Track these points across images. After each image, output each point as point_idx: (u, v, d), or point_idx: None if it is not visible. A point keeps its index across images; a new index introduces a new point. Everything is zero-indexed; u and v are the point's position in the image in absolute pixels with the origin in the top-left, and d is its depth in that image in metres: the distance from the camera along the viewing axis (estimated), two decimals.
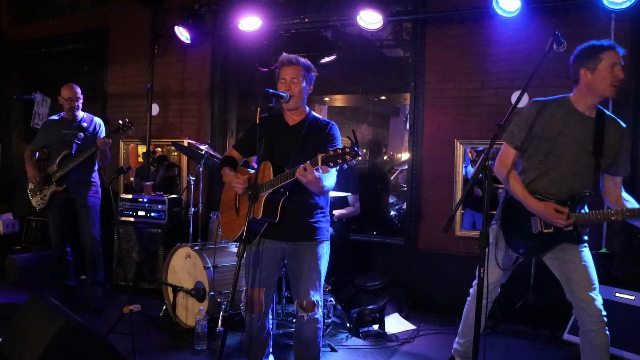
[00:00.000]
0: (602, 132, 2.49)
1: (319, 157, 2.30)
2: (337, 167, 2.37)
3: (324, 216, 2.76)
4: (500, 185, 4.86)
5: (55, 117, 4.52)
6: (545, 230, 2.56)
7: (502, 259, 2.71)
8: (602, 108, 2.57)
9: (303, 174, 2.35)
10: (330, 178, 2.59)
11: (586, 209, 2.56)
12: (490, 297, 2.76)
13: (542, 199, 2.56)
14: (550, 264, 2.68)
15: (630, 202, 2.58)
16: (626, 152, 2.57)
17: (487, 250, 2.21)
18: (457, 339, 2.99)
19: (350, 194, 4.37)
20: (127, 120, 4.14)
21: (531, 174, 2.63)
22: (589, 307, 2.49)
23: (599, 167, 2.52)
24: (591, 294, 2.50)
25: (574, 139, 2.51)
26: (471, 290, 2.94)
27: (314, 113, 2.83)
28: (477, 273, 2.82)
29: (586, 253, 2.58)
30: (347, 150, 2.24)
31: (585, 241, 2.55)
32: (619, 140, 2.52)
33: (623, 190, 2.63)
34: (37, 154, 4.50)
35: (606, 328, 2.49)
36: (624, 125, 2.56)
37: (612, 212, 2.44)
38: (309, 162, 2.35)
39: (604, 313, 2.50)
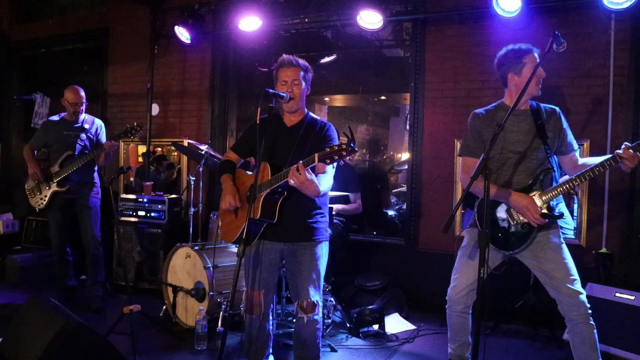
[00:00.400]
0: (539, 117, 2.70)
1: (316, 156, 2.30)
2: (335, 164, 2.37)
3: (322, 216, 2.76)
4: None
5: (55, 117, 4.52)
6: (522, 219, 2.64)
7: (492, 259, 2.73)
8: (531, 102, 2.78)
9: (295, 174, 2.35)
10: (326, 180, 2.59)
11: (553, 184, 2.67)
12: (466, 302, 2.79)
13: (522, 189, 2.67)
14: (531, 267, 2.73)
15: (590, 159, 2.72)
16: (567, 130, 2.75)
17: (487, 250, 2.22)
18: (449, 345, 2.98)
19: (351, 193, 4.37)
20: (135, 124, 4.15)
21: (494, 175, 2.73)
22: (575, 300, 2.57)
23: (549, 148, 2.67)
24: (574, 287, 2.58)
25: (520, 130, 2.69)
26: (447, 297, 2.91)
27: (311, 114, 2.83)
28: (452, 276, 2.87)
29: (564, 249, 2.66)
30: (343, 146, 2.25)
31: (561, 215, 2.64)
32: (557, 119, 2.73)
33: (579, 159, 2.76)
34: (36, 153, 4.51)
35: (590, 317, 2.58)
36: (556, 108, 2.78)
37: (574, 178, 2.55)
38: (301, 161, 2.35)
39: (589, 305, 2.59)
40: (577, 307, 2.57)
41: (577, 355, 2.63)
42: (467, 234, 2.82)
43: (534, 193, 2.61)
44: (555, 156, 2.77)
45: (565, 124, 2.75)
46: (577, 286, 2.59)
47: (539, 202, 2.58)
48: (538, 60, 2.66)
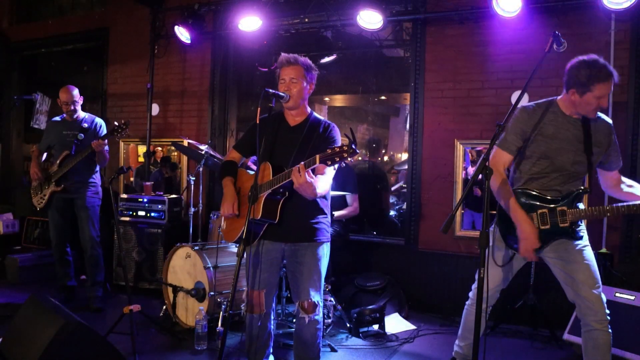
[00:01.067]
0: (589, 130, 2.57)
1: (317, 157, 2.30)
2: (336, 166, 2.37)
3: (324, 217, 2.75)
4: None
5: (57, 118, 4.54)
6: (542, 227, 2.58)
7: (499, 257, 2.73)
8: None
9: (296, 175, 2.35)
10: (324, 182, 2.58)
11: (580, 206, 2.59)
12: (490, 301, 2.76)
13: (538, 195, 2.61)
14: (552, 265, 2.68)
15: (635, 187, 2.65)
16: (615, 147, 2.64)
17: (487, 250, 2.21)
18: (457, 342, 2.98)
19: (349, 194, 4.37)
20: (122, 121, 4.13)
21: (526, 175, 2.66)
22: (595, 306, 2.50)
23: (591, 164, 2.58)
24: (596, 292, 2.52)
25: (566, 139, 2.57)
26: (470, 294, 2.93)
27: (315, 114, 2.82)
28: (476, 276, 2.85)
29: (588, 252, 2.60)
30: (345, 148, 2.24)
31: (580, 237, 2.58)
32: (607, 135, 2.59)
33: (621, 179, 2.69)
34: (45, 155, 4.51)
35: (609, 326, 2.52)
36: (609, 121, 2.64)
37: (608, 208, 2.50)
38: (303, 162, 2.35)
39: (608, 312, 2.52)
40: (595, 313, 2.51)
41: (588, 359, 2.58)
42: (491, 234, 2.76)
43: (562, 207, 2.54)
44: (598, 171, 2.69)
45: (614, 140, 2.61)
46: (599, 292, 2.52)
47: (567, 218, 2.52)
48: (610, 90, 2.48)
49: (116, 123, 4.11)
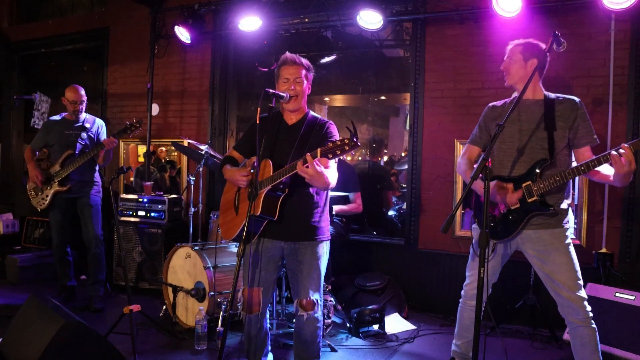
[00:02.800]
0: (552, 107, 2.64)
1: (318, 151, 2.30)
2: (337, 159, 2.37)
3: (324, 215, 2.76)
4: None
5: (56, 117, 4.52)
6: (512, 207, 2.64)
7: (501, 255, 2.78)
8: (547, 92, 2.74)
9: (303, 169, 2.34)
10: (333, 174, 2.58)
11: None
12: (484, 297, 2.77)
13: (505, 179, 2.69)
14: (532, 263, 2.73)
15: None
16: (584, 121, 2.64)
17: (487, 250, 2.22)
18: (454, 341, 3.01)
19: (351, 192, 4.37)
20: (134, 120, 4.16)
21: (494, 163, 2.76)
22: (576, 305, 2.56)
23: (552, 139, 2.62)
24: (578, 293, 2.56)
25: (526, 121, 2.67)
26: (462, 292, 2.96)
27: (312, 112, 2.83)
28: (467, 273, 2.90)
29: (567, 250, 2.61)
30: (346, 141, 2.25)
31: (550, 206, 2.57)
32: (571, 110, 2.64)
33: (592, 156, 2.68)
34: (37, 154, 4.51)
35: (592, 322, 2.57)
36: (575, 98, 2.69)
37: (567, 171, 2.51)
38: (309, 153, 2.33)
39: (589, 308, 2.57)
40: (576, 311, 2.56)
41: (579, 358, 2.63)
42: (474, 231, 2.84)
43: (527, 183, 2.60)
44: (571, 152, 2.71)
45: (581, 115, 2.64)
46: (579, 291, 2.56)
47: (534, 192, 2.56)
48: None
49: (128, 122, 4.14)
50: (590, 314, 2.57)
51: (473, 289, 2.82)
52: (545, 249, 2.63)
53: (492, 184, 2.65)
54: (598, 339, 2.59)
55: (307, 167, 2.33)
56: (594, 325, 2.57)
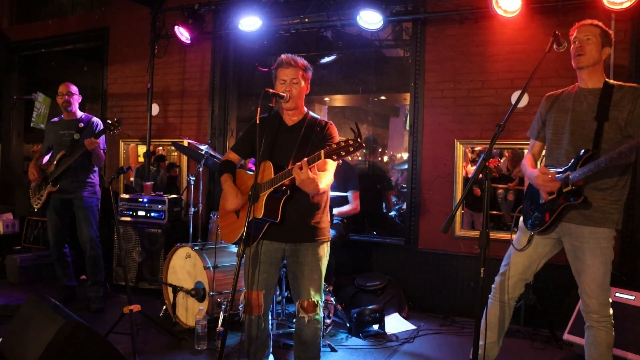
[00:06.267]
0: (609, 96, 2.50)
1: (322, 152, 2.30)
2: (339, 159, 2.38)
3: (325, 216, 2.75)
4: (499, 185, 4.91)
5: (55, 119, 4.55)
6: (550, 197, 2.57)
7: (518, 241, 2.74)
8: (609, 80, 2.57)
9: (297, 172, 2.35)
10: (326, 178, 2.58)
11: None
12: (513, 292, 2.74)
13: (551, 166, 2.64)
14: (567, 255, 2.64)
15: None
16: (638, 113, 2.46)
17: (486, 250, 2.21)
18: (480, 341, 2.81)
19: (350, 192, 4.37)
20: (115, 119, 4.12)
21: (546, 152, 2.71)
22: (596, 308, 2.51)
23: (601, 129, 2.49)
24: (600, 297, 2.50)
25: (580, 111, 2.57)
26: (493, 286, 2.84)
27: (312, 113, 2.83)
28: (501, 264, 2.80)
29: (604, 253, 2.50)
30: (350, 142, 2.24)
31: (581, 196, 2.44)
32: (629, 99, 2.47)
33: None
34: (47, 157, 4.50)
35: (609, 326, 2.51)
36: (637, 86, 2.53)
37: (602, 160, 2.35)
38: (305, 159, 2.35)
39: (609, 313, 2.52)
40: (597, 312, 2.51)
41: (589, 355, 2.57)
42: (520, 223, 2.80)
43: (566, 174, 2.49)
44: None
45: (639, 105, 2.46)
46: (602, 295, 2.49)
47: (569, 181, 2.45)
48: (578, 33, 2.54)
49: (109, 121, 4.11)
50: (612, 320, 2.51)
51: (505, 281, 2.72)
52: (580, 245, 2.53)
53: (536, 170, 2.60)
54: (612, 344, 2.53)
55: (302, 171, 2.34)
56: (613, 329, 2.51)
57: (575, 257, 2.57)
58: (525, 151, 2.92)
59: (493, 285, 2.84)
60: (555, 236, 2.66)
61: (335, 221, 4.25)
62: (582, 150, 2.47)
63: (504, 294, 2.74)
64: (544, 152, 2.80)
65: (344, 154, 2.25)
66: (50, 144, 4.42)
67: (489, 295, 2.85)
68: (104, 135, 4.23)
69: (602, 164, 2.34)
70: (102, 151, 4.32)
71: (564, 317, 3.63)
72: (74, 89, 4.43)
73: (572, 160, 2.50)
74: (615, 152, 2.31)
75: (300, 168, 2.35)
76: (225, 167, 2.86)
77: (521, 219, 2.79)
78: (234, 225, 2.79)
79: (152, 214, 4.87)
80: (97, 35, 6.38)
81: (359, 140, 2.22)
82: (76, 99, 4.44)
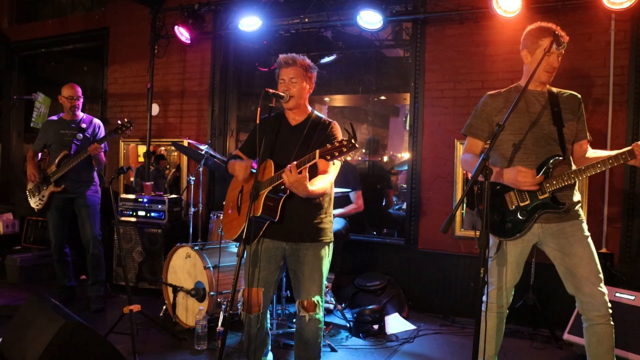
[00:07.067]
0: (557, 103, 2.59)
1: (317, 152, 2.30)
2: (337, 161, 2.38)
3: (327, 216, 2.75)
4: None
5: (54, 117, 4.53)
6: (522, 204, 2.55)
7: (520, 252, 2.67)
8: (549, 87, 2.68)
9: (287, 173, 2.37)
10: (322, 180, 2.58)
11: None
12: (508, 299, 2.69)
13: None
14: (552, 257, 2.62)
15: (600, 152, 2.61)
16: (582, 119, 2.64)
17: (487, 250, 2.20)
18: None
19: (351, 190, 4.37)
20: (125, 120, 4.13)
21: (502, 159, 2.64)
22: (597, 300, 2.48)
23: (563, 136, 2.56)
24: (600, 287, 2.49)
25: (533, 112, 2.59)
26: (484, 297, 2.66)
27: (316, 112, 2.82)
28: (489, 280, 2.70)
29: (588, 244, 2.54)
30: (344, 142, 2.25)
31: (562, 204, 2.49)
32: (578, 105, 2.63)
33: (589, 150, 2.66)
34: (40, 155, 4.51)
35: (611, 319, 2.50)
36: (577, 94, 2.67)
37: (583, 169, 2.46)
38: (295, 162, 2.36)
39: (610, 305, 2.50)
40: (598, 308, 2.48)
41: (591, 354, 2.54)
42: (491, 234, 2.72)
43: (541, 177, 2.49)
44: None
45: (582, 112, 2.64)
46: (601, 286, 2.48)
47: (545, 188, 2.48)
48: (556, 48, 2.55)
49: (119, 122, 4.11)
50: (610, 310, 2.50)
51: (495, 294, 2.67)
52: (567, 241, 2.54)
53: (514, 168, 2.52)
54: (614, 338, 2.51)
55: (291, 173, 2.34)
56: (612, 323, 2.50)
57: (564, 254, 2.55)
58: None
59: (486, 299, 2.70)
60: (532, 238, 2.62)
61: (342, 222, 4.26)
62: (554, 155, 2.52)
63: (502, 304, 2.69)
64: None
65: (337, 154, 2.26)
66: (47, 142, 4.41)
67: (482, 309, 2.65)
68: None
69: (586, 173, 2.46)
70: (103, 154, 4.33)
71: (564, 317, 3.62)
72: (80, 91, 4.45)
73: (540, 164, 2.53)
74: (600, 162, 2.41)
75: (290, 170, 2.36)
76: (233, 158, 2.89)
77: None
78: (235, 222, 2.80)
79: (152, 214, 4.87)
80: (97, 35, 6.39)
81: (352, 141, 2.22)
82: (81, 100, 4.46)
